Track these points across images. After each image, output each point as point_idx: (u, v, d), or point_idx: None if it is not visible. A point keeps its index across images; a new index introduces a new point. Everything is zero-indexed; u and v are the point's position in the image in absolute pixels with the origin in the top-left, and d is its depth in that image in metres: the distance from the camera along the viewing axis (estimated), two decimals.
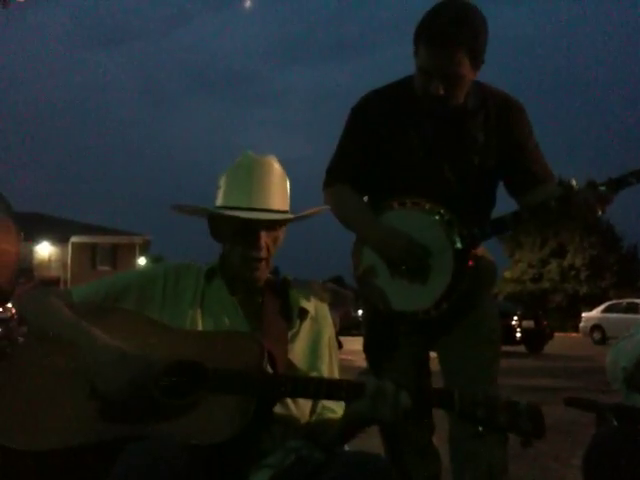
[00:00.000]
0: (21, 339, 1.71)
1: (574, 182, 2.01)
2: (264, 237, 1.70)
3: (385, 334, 2.25)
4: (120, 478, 1.30)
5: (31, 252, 36.00)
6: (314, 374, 1.73)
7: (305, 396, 1.63)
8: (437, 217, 2.08)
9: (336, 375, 1.79)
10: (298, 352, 1.73)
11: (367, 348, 2.35)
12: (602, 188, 2.00)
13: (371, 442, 1.99)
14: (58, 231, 37.00)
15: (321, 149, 2.31)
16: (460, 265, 2.07)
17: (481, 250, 2.21)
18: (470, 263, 2.09)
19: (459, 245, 2.06)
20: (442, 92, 2.03)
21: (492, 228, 2.12)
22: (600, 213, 2.01)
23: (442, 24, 1.97)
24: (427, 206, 2.11)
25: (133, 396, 1.48)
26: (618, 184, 2.01)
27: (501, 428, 1.42)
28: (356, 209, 2.21)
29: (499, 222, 2.13)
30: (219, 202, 1.75)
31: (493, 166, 2.19)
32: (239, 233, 1.70)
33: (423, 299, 2.09)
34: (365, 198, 2.29)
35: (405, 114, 2.17)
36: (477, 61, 2.03)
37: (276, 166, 1.75)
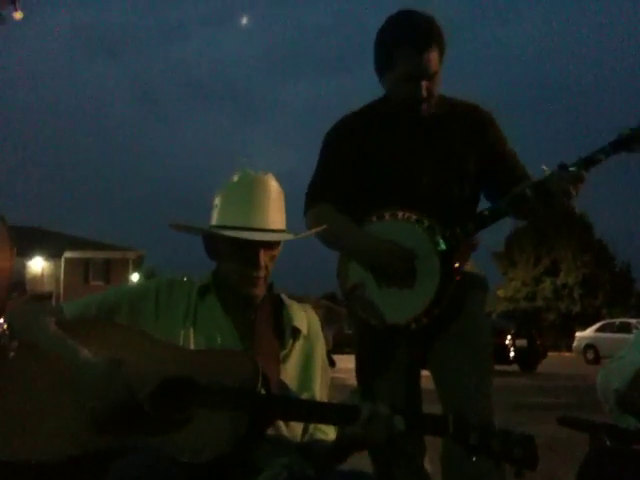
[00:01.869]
0: (12, 354, 1.70)
1: (545, 167, 2.07)
2: (262, 256, 1.69)
3: (377, 352, 2.25)
4: None
5: (24, 267, 35.85)
6: (305, 394, 1.72)
7: (298, 419, 1.62)
8: (417, 224, 2.11)
9: (324, 395, 1.78)
10: (290, 372, 1.72)
11: (359, 368, 2.32)
12: (573, 169, 2.05)
13: (364, 462, 1.98)
14: (51, 246, 36.84)
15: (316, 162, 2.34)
16: (447, 267, 2.08)
17: (470, 265, 2.23)
18: (457, 265, 2.11)
19: (443, 247, 2.08)
20: (425, 94, 2.11)
21: (474, 225, 2.14)
22: (575, 193, 2.04)
23: (418, 26, 2.08)
24: (405, 215, 2.13)
25: (119, 412, 1.47)
26: (587, 162, 2.07)
27: (494, 456, 1.43)
28: (339, 223, 2.20)
29: (479, 218, 2.16)
30: (216, 220, 1.74)
31: (473, 172, 2.23)
32: (237, 252, 1.69)
33: (414, 306, 2.10)
34: None
35: (384, 129, 2.22)
36: (442, 58, 2.13)
37: (273, 184, 1.74)
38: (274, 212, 1.71)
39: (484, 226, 2.16)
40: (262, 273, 1.71)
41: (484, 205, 2.30)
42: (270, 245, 1.71)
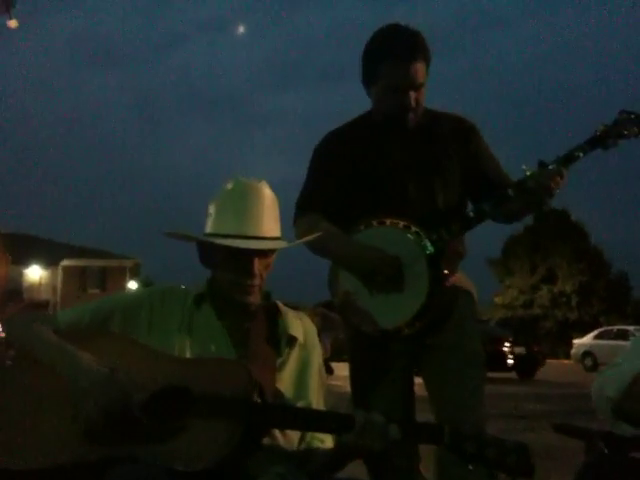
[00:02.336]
0: (9, 362, 1.70)
1: (524, 166, 2.15)
2: (257, 264, 1.69)
3: (370, 360, 2.25)
4: None
5: (21, 275, 35.84)
6: (302, 403, 1.72)
7: (294, 428, 1.62)
8: (405, 230, 2.14)
9: (321, 404, 1.78)
10: (286, 380, 1.72)
11: (352, 376, 2.33)
12: (552, 166, 2.13)
13: (359, 470, 1.98)
14: (48, 254, 36.86)
15: None
16: (435, 271, 2.11)
17: (459, 276, 2.26)
18: (445, 272, 2.14)
19: (430, 249, 2.11)
20: (414, 104, 2.16)
21: (459, 226, 2.17)
22: (555, 189, 2.12)
23: (404, 39, 2.13)
24: (393, 222, 2.16)
25: (115, 420, 1.47)
26: (566, 160, 2.16)
27: (489, 465, 1.43)
28: (328, 232, 2.21)
29: (464, 219, 2.19)
30: (210, 229, 1.73)
31: (458, 180, 2.26)
32: (231, 260, 1.68)
33: (404, 311, 2.11)
34: None
35: (372, 139, 2.25)
36: (428, 71, 2.18)
37: (267, 191, 1.74)
38: (268, 220, 1.71)
39: (469, 227, 2.19)
40: (256, 281, 1.70)
41: None
42: (264, 253, 1.70)
